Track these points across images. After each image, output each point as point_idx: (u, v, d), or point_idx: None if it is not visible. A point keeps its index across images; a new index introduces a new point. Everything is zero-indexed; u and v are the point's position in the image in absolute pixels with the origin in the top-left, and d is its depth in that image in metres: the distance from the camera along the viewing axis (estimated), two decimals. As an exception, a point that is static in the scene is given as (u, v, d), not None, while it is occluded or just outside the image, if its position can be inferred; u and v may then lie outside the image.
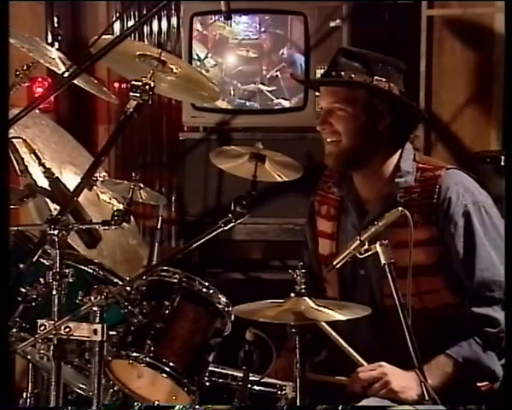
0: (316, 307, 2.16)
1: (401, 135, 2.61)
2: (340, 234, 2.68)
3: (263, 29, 3.98)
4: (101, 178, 2.73)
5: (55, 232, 2.12)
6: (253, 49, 3.98)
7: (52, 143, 3.02)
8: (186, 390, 2.44)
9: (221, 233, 2.27)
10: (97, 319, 2.20)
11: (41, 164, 2.40)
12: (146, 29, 4.34)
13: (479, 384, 2.50)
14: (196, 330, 2.54)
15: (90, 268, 2.59)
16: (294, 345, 2.16)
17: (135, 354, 2.44)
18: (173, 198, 4.38)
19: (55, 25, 4.22)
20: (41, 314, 2.20)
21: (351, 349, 2.48)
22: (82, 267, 2.56)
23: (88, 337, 2.18)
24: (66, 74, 2.28)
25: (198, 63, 4.01)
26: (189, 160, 4.08)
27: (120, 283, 2.55)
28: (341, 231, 2.68)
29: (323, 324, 2.43)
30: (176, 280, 2.53)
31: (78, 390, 2.74)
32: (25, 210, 2.64)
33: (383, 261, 2.20)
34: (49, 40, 4.16)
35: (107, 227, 2.29)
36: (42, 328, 2.14)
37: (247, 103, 4.01)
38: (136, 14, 4.32)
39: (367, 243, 2.24)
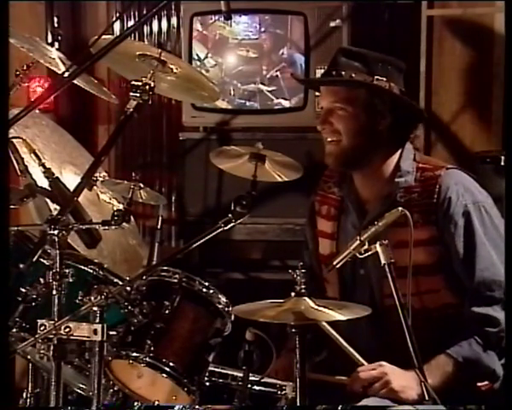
0: (316, 307, 2.16)
1: (401, 135, 2.61)
2: (341, 234, 2.68)
3: (263, 29, 3.97)
4: (101, 178, 2.72)
5: (55, 232, 2.12)
6: (253, 49, 3.98)
7: (52, 143, 3.02)
8: (186, 390, 2.44)
9: (221, 233, 2.27)
10: (97, 319, 2.20)
11: (41, 164, 2.40)
12: (146, 29, 4.34)
13: (479, 384, 2.50)
14: (196, 330, 2.54)
15: (90, 268, 2.59)
16: (294, 345, 2.16)
17: (135, 354, 2.44)
18: (173, 198, 4.37)
19: (55, 25, 4.22)
20: (41, 314, 2.20)
21: (351, 349, 2.48)
22: (82, 267, 2.56)
23: (88, 337, 2.18)
24: (66, 74, 2.28)
25: (198, 63, 4.01)
26: (189, 160, 4.08)
27: (120, 283, 2.55)
28: (341, 230, 2.68)
29: (324, 323, 2.43)
30: (176, 280, 2.53)
31: (78, 390, 2.74)
32: (25, 210, 2.64)
33: (383, 261, 2.20)
34: (49, 40, 4.16)
35: (107, 227, 2.29)
36: (42, 328, 2.14)
37: (247, 103, 4.01)
38: (136, 14, 4.32)
39: (367, 243, 2.24)
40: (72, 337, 2.16)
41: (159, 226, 3.71)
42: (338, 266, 2.34)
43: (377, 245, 2.21)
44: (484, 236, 2.50)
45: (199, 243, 2.26)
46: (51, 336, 2.14)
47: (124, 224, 2.30)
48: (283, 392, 2.44)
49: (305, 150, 3.73)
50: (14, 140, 2.39)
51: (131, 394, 2.56)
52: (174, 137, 4.21)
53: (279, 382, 2.47)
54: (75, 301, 2.27)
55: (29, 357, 2.72)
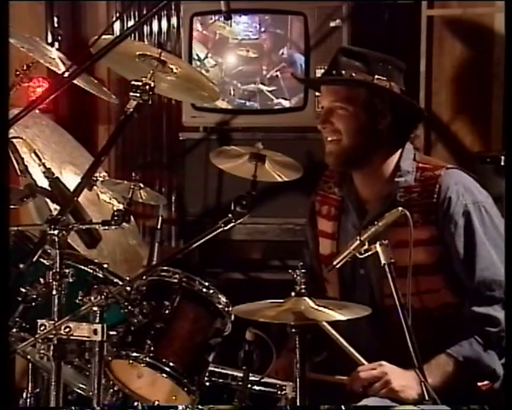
0: (316, 307, 2.16)
1: (401, 134, 2.61)
2: (341, 234, 2.68)
3: (263, 29, 3.97)
4: (101, 178, 2.72)
5: (55, 232, 2.12)
6: (253, 49, 3.98)
7: (52, 143, 3.02)
8: (186, 390, 2.44)
9: (221, 233, 2.27)
10: (97, 319, 2.20)
11: (41, 164, 2.40)
12: (146, 29, 4.34)
13: (479, 384, 2.50)
14: (196, 330, 2.54)
15: (90, 268, 2.59)
16: (294, 345, 2.15)
17: (135, 354, 2.44)
18: (173, 198, 4.37)
19: (55, 25, 4.21)
20: (41, 314, 2.19)
21: (351, 348, 2.48)
22: (82, 267, 2.56)
23: (88, 337, 2.18)
24: (66, 74, 2.28)
25: (198, 63, 4.01)
26: (189, 160, 4.08)
27: (120, 283, 2.55)
28: (342, 230, 2.68)
29: (324, 323, 2.43)
30: (176, 280, 2.53)
31: (78, 390, 2.74)
32: (25, 210, 2.64)
33: (383, 261, 2.20)
34: (49, 40, 4.16)
35: (107, 227, 2.29)
36: (42, 328, 2.14)
37: (247, 103, 4.01)
38: (136, 14, 4.32)
39: (367, 243, 2.24)
40: (72, 337, 2.16)
41: (159, 226, 3.71)
42: (338, 266, 2.34)
43: (377, 245, 2.21)
44: (484, 235, 2.50)
45: (199, 243, 2.26)
46: (51, 336, 2.14)
47: (124, 224, 2.30)
48: (283, 392, 2.44)
49: (305, 150, 3.73)
50: (14, 140, 2.39)
51: (131, 394, 2.56)
52: (174, 137, 4.21)
53: (279, 382, 2.47)
54: (75, 301, 2.27)
55: (29, 357, 2.72)
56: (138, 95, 2.23)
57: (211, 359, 2.53)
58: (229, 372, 2.53)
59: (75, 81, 2.39)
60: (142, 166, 4.40)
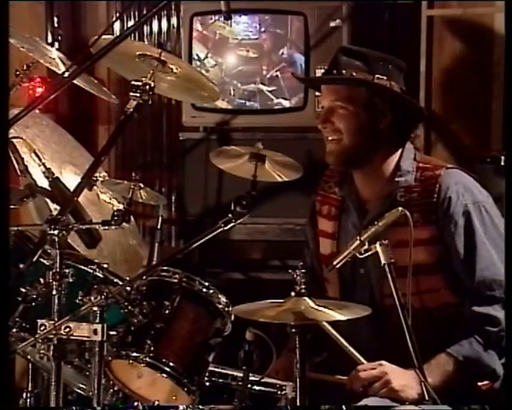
0: (316, 307, 2.16)
1: (402, 134, 2.61)
2: (341, 234, 2.68)
3: (263, 29, 3.97)
4: (101, 178, 2.72)
5: (55, 232, 2.12)
6: (253, 49, 3.98)
7: (52, 143, 3.02)
8: (186, 390, 2.44)
9: (221, 233, 2.27)
10: (97, 319, 2.20)
11: (41, 164, 2.40)
12: (146, 29, 4.34)
13: (480, 384, 2.50)
14: (196, 330, 2.54)
15: (90, 268, 2.59)
16: (294, 345, 2.15)
17: (135, 354, 2.44)
18: (173, 198, 4.37)
19: (55, 25, 4.21)
20: (41, 314, 2.20)
21: (351, 348, 2.48)
22: (82, 267, 2.56)
23: (88, 337, 2.18)
24: (66, 74, 2.28)
25: (198, 63, 4.00)
26: (189, 160, 4.08)
27: (120, 283, 2.55)
28: (342, 230, 2.68)
29: (324, 323, 2.43)
30: (176, 280, 2.53)
31: (78, 390, 2.74)
32: (25, 210, 2.64)
33: (383, 261, 2.20)
34: (49, 40, 4.16)
35: (107, 227, 2.29)
36: (42, 328, 2.14)
37: (247, 103, 4.01)
38: (136, 14, 4.32)
39: (367, 243, 2.24)
40: (72, 337, 2.16)
41: (159, 226, 3.71)
42: (338, 266, 2.34)
43: (377, 245, 2.21)
44: (484, 235, 2.50)
45: (199, 243, 2.26)
46: (51, 336, 2.14)
47: (124, 224, 2.30)
48: (283, 392, 2.44)
49: (305, 150, 3.73)
50: (14, 140, 2.39)
51: (131, 394, 2.56)
52: (174, 137, 4.21)
53: (279, 382, 2.47)
54: (75, 301, 2.27)
55: (29, 357, 2.72)
56: (138, 95, 2.23)
57: (211, 359, 2.53)
58: (229, 372, 2.53)
59: (75, 81, 2.39)
60: (142, 166, 4.40)
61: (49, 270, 2.17)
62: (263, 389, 2.48)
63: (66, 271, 2.17)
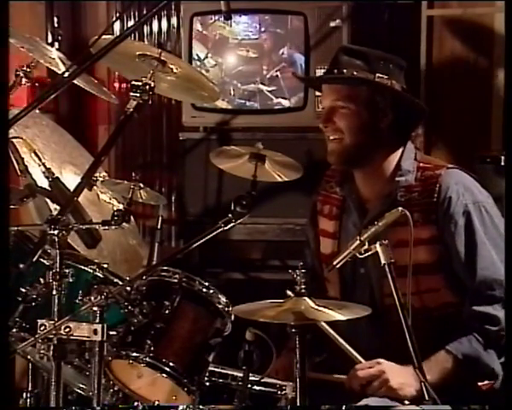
0: (316, 307, 2.16)
1: (403, 132, 2.61)
2: (342, 233, 2.68)
3: (263, 29, 3.97)
4: (101, 178, 2.72)
5: (55, 232, 2.12)
6: (253, 49, 3.98)
7: (52, 143, 3.02)
8: (186, 390, 2.44)
9: (221, 233, 2.27)
10: (97, 319, 2.20)
11: (41, 164, 2.40)
12: (146, 29, 4.34)
13: (480, 384, 2.50)
14: (196, 330, 2.54)
15: (90, 268, 2.59)
16: (294, 345, 2.15)
17: (135, 354, 2.44)
18: (173, 198, 4.37)
19: (55, 25, 4.21)
20: (41, 314, 2.20)
21: (350, 348, 2.48)
22: (82, 267, 2.56)
23: (88, 337, 2.18)
24: (67, 74, 2.28)
25: (198, 63, 4.00)
26: (189, 160, 4.08)
27: (120, 283, 2.55)
28: (343, 230, 2.68)
29: (323, 323, 2.43)
30: (176, 280, 2.53)
31: (78, 390, 2.74)
32: (25, 210, 2.64)
33: (383, 261, 2.20)
34: (49, 40, 4.16)
35: (107, 227, 2.29)
36: (42, 328, 2.14)
37: (247, 103, 4.01)
38: (136, 14, 4.32)
39: (367, 243, 2.24)
40: (72, 337, 2.16)
41: (159, 226, 3.71)
42: (338, 265, 2.34)
43: (377, 245, 2.21)
44: (484, 235, 2.50)
45: (199, 243, 2.26)
46: (51, 336, 2.14)
47: (124, 224, 2.30)
48: (283, 392, 2.44)
49: (305, 150, 3.73)
50: (14, 140, 2.39)
51: (131, 394, 2.56)
52: (174, 137, 4.21)
53: (279, 382, 2.47)
54: (75, 301, 2.27)
55: (29, 357, 2.72)
56: (138, 95, 2.23)
57: (211, 359, 2.53)
58: (229, 372, 2.53)
59: (75, 81, 2.39)
60: (142, 166, 4.40)
61: (49, 270, 2.17)
62: (263, 389, 2.48)
63: (66, 271, 2.17)
